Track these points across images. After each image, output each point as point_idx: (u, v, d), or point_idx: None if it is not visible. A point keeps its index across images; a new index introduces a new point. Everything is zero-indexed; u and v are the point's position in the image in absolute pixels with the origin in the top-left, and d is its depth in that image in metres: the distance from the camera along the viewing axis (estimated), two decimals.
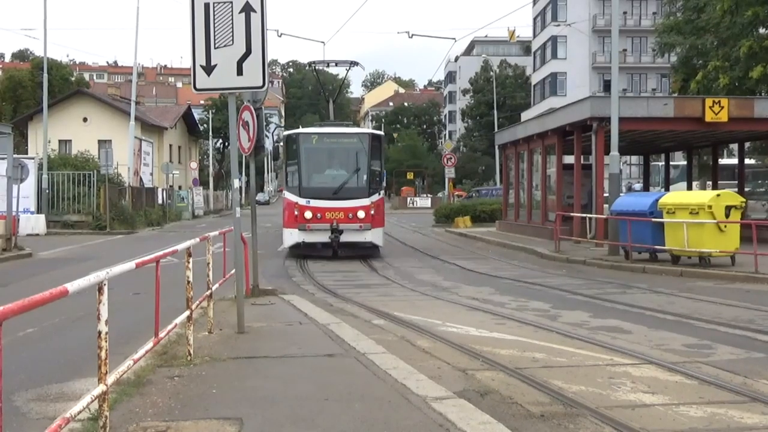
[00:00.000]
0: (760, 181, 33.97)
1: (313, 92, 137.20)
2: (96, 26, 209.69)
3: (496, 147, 43.68)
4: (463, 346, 9.25)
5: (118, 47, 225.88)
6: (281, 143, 24.92)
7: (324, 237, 21.39)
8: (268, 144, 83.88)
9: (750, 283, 15.91)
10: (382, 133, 25.17)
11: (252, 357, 8.27)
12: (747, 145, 30.15)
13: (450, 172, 45.49)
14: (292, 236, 21.81)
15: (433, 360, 8.60)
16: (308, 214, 21.26)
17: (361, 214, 21.38)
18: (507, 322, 11.32)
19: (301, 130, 23.89)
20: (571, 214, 24.34)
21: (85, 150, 41.64)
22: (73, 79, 66.61)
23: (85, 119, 52.03)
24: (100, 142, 47.39)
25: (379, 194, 22.63)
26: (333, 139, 22.85)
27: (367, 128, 40.27)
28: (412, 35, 74.05)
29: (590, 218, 23.04)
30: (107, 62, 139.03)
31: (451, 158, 45.60)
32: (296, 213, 21.35)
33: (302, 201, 21.47)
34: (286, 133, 24.62)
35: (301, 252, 21.84)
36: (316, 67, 26.95)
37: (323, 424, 5.83)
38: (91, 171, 36.87)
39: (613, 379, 7.86)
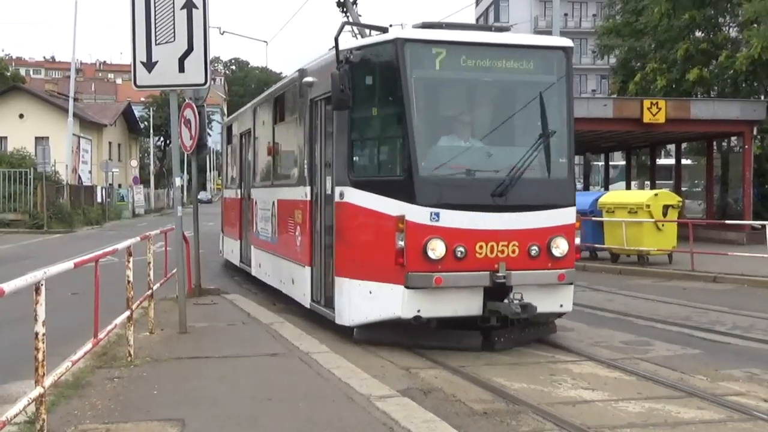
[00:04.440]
0: (696, 181, 34.75)
1: (256, 91, 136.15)
2: (33, 20, 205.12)
3: None
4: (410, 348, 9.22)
5: (56, 42, 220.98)
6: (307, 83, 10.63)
7: (471, 304, 8.88)
8: (211, 142, 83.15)
9: (686, 281, 16.30)
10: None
11: (194, 357, 8.19)
12: (684, 145, 30.82)
13: None
14: (385, 301, 8.91)
15: (377, 359, 8.62)
16: (438, 247, 8.62)
17: (560, 244, 9.11)
18: None
19: (403, 33, 9.29)
20: None
21: (22, 147, 40.67)
22: (8, 74, 65.08)
23: (21, 116, 50.81)
24: (37, 139, 46.46)
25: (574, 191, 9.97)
26: (487, 61, 9.47)
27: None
28: (358, 32, 73.98)
29: None
30: (44, 57, 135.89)
31: None
32: (401, 244, 8.68)
33: (417, 212, 8.71)
34: (356, 45, 9.60)
35: (398, 340, 9.25)
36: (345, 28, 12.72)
37: (266, 425, 5.81)
38: (28, 169, 36.07)
39: (554, 375, 7.98)
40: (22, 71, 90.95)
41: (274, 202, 12.69)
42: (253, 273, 14.78)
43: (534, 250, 8.84)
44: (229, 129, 19.12)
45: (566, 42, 10.05)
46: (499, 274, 8.65)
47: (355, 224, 9.25)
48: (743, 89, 28.42)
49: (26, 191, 35.65)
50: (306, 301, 10.62)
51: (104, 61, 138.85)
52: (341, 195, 9.31)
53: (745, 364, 8.62)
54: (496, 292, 8.71)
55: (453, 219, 8.63)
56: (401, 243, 8.58)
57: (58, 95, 55.76)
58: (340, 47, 9.04)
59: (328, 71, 9.09)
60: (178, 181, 10.41)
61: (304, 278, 10.63)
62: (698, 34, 29.46)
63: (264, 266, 13.84)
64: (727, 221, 22.98)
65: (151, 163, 74.59)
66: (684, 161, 33.37)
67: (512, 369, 8.28)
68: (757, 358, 8.99)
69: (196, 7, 9.05)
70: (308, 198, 10.46)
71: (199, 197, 19.97)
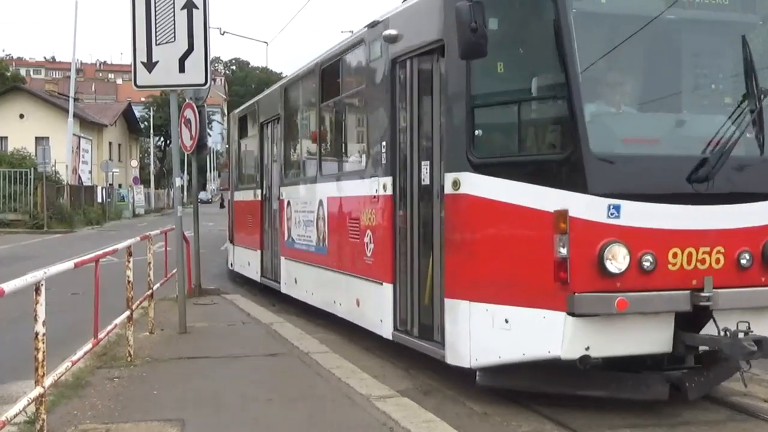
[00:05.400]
0: None
1: (256, 91, 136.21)
2: (33, 20, 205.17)
3: None
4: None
5: (56, 42, 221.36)
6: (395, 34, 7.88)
7: (661, 337, 6.24)
8: (211, 142, 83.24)
9: None
10: None
11: (194, 357, 8.19)
12: None
13: None
14: (533, 334, 6.24)
15: (377, 359, 8.61)
16: (620, 256, 5.95)
17: None
18: None
19: None
20: None
21: (22, 147, 40.68)
22: (8, 74, 65.09)
23: (21, 116, 50.84)
24: (37, 139, 46.48)
25: None
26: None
27: None
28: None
29: None
30: (45, 57, 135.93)
31: None
32: (562, 251, 6.01)
33: (588, 206, 6.01)
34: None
35: (544, 388, 6.68)
36: None
37: (266, 425, 5.81)
38: (28, 169, 36.07)
39: None
40: (23, 71, 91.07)
41: (321, 202, 10.26)
42: (284, 290, 12.28)
43: (745, 258, 6.25)
44: (242, 121, 16.37)
45: None
46: (704, 294, 6.06)
47: (480, 224, 6.63)
48: None
49: (26, 191, 35.67)
50: (385, 329, 8.14)
51: (104, 61, 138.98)
52: (455, 184, 6.75)
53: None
54: (690, 319, 6.19)
55: (639, 214, 6.01)
56: (563, 250, 5.98)
57: (59, 95, 55.80)
58: None
59: (421, 18, 7.46)
60: (178, 181, 10.41)
61: (382, 299, 8.13)
62: None
63: (303, 282, 11.30)
64: None
65: (152, 163, 74.62)
66: None
67: None
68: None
69: (197, 8, 9.06)
70: (387, 192, 8.02)
71: (199, 197, 19.92)
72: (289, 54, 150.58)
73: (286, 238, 12.02)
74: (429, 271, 7.39)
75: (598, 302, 5.93)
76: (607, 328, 6.03)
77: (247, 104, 16.25)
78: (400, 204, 7.95)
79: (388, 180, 8.03)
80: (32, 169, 35.97)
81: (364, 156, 8.99)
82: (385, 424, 5.71)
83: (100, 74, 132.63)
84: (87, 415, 6.00)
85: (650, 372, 6.45)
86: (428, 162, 7.44)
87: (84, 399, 6.45)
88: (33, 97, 53.04)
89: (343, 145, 10.44)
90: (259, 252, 14.03)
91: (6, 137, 48.63)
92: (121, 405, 6.29)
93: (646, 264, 5.99)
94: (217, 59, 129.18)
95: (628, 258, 5.93)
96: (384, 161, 8.14)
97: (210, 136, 76.60)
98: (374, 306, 8.41)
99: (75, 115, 44.16)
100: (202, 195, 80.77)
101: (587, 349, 5.99)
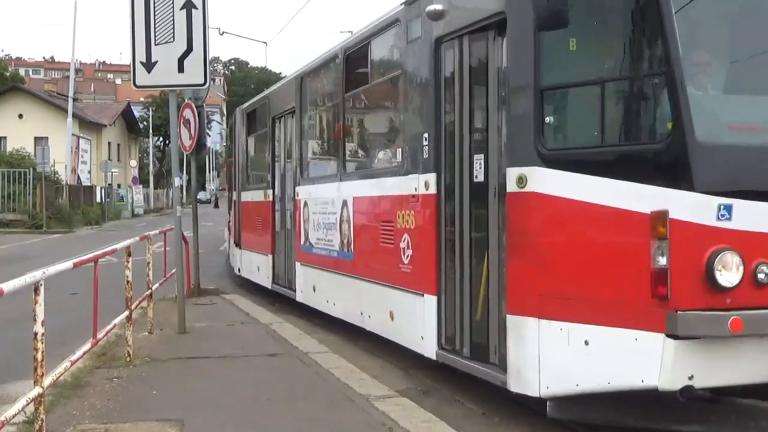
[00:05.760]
0: None
1: (256, 91, 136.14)
2: (32, 20, 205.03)
3: None
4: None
5: (56, 42, 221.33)
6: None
7: None
8: (210, 142, 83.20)
9: None
10: None
11: (193, 357, 8.19)
12: None
13: None
14: (622, 360, 5.25)
15: (376, 359, 8.61)
16: (732, 265, 4.99)
17: None
18: None
19: None
20: None
21: (21, 147, 40.72)
22: (7, 74, 65.11)
23: (20, 116, 50.83)
24: (36, 139, 46.49)
25: None
26: None
27: None
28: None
29: None
30: (44, 57, 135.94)
31: None
32: (661, 261, 5.05)
33: (694, 205, 5.03)
34: None
35: (631, 421, 5.66)
36: None
37: (265, 425, 5.80)
38: (27, 169, 36.08)
39: None
40: (22, 71, 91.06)
41: (345, 202, 9.34)
42: (300, 299, 11.32)
43: None
44: (251, 116, 15.19)
45: None
46: None
47: (553, 228, 5.65)
48: None
49: (25, 191, 35.69)
50: (426, 347, 7.19)
51: (104, 61, 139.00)
52: (520, 181, 5.76)
53: None
54: None
55: (752, 216, 5.08)
56: (662, 260, 5.04)
57: (58, 95, 55.81)
58: None
59: None
60: (177, 182, 10.42)
61: (423, 313, 7.19)
62: None
63: (323, 291, 10.32)
64: None
65: (151, 163, 74.62)
66: None
67: None
68: None
69: (196, 8, 9.06)
70: (430, 191, 7.08)
71: (198, 197, 19.89)
72: (288, 54, 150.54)
73: (302, 241, 11.06)
74: (482, 282, 6.37)
75: (706, 322, 4.95)
76: (714, 352, 5.05)
77: (257, 98, 15.24)
78: (445, 204, 6.93)
79: (431, 177, 7.05)
80: (31, 169, 36.01)
81: (399, 151, 8.06)
82: (385, 424, 5.71)
83: (100, 74, 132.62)
84: (86, 415, 6.00)
85: (756, 401, 5.55)
86: (482, 156, 6.41)
87: (83, 399, 6.45)
88: (32, 97, 53.04)
89: (373, 139, 9.62)
90: (270, 257, 13.05)
91: (5, 137, 48.59)
92: (120, 405, 6.29)
93: (761, 276, 5.04)
94: (216, 59, 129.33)
95: (741, 268, 4.98)
96: (426, 156, 7.15)
97: (209, 136, 76.49)
98: (413, 320, 7.42)
99: (74, 115, 44.13)
100: (201, 195, 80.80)
101: (690, 378, 5.01)
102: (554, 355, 5.51)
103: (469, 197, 6.61)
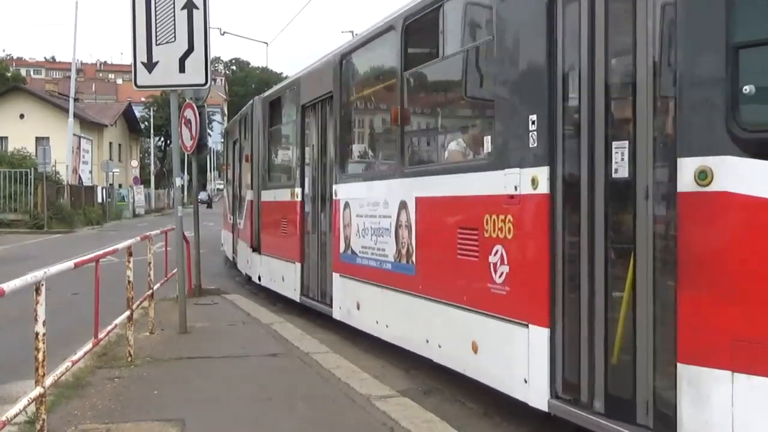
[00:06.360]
0: None
1: (256, 91, 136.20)
2: (33, 20, 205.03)
3: None
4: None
5: (56, 42, 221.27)
6: None
7: None
8: (211, 142, 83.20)
9: None
10: None
11: (194, 357, 8.19)
12: None
13: None
14: None
15: (377, 359, 8.61)
16: None
17: None
18: None
19: None
20: None
21: (22, 147, 40.72)
22: (9, 74, 65.20)
23: (21, 116, 50.88)
24: (37, 139, 46.50)
25: None
26: None
27: None
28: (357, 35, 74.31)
29: None
30: (45, 58, 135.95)
31: None
32: None
33: None
34: None
35: None
36: None
37: (267, 425, 5.81)
38: (28, 169, 36.10)
39: None
40: (23, 71, 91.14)
41: (405, 203, 7.72)
42: (338, 316, 9.75)
43: None
44: (273, 106, 13.44)
45: None
46: None
47: (755, 244, 3.99)
48: None
49: (27, 191, 35.70)
50: (533, 394, 5.60)
51: (105, 62, 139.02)
52: (703, 176, 4.15)
53: None
54: None
55: None
56: None
57: (59, 95, 55.82)
58: None
59: None
60: (178, 182, 10.44)
61: (531, 349, 5.58)
62: None
63: (371, 309, 8.77)
64: None
65: (152, 163, 74.63)
66: None
67: None
68: None
69: (197, 8, 9.07)
70: (539, 190, 5.47)
71: (199, 197, 19.90)
72: (290, 54, 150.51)
73: (342, 249, 9.48)
74: (621, 313, 4.78)
75: None
76: None
77: (281, 85, 13.55)
78: (563, 207, 5.32)
79: (541, 172, 5.45)
80: (32, 169, 36.01)
81: (487, 139, 6.48)
82: (385, 424, 5.71)
83: (101, 74, 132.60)
84: (87, 415, 6.00)
85: None
86: (625, 143, 4.76)
87: (84, 399, 6.45)
88: (33, 97, 53.09)
89: (445, 126, 8.02)
90: (298, 265, 11.38)
91: (6, 137, 48.64)
92: (122, 405, 6.29)
93: None
94: (217, 59, 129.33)
95: None
96: (533, 144, 5.55)
97: (210, 136, 76.49)
98: (509, 357, 5.85)
99: (75, 115, 44.16)
100: (202, 195, 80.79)
101: None
102: (757, 427, 3.94)
103: (605, 198, 4.94)
